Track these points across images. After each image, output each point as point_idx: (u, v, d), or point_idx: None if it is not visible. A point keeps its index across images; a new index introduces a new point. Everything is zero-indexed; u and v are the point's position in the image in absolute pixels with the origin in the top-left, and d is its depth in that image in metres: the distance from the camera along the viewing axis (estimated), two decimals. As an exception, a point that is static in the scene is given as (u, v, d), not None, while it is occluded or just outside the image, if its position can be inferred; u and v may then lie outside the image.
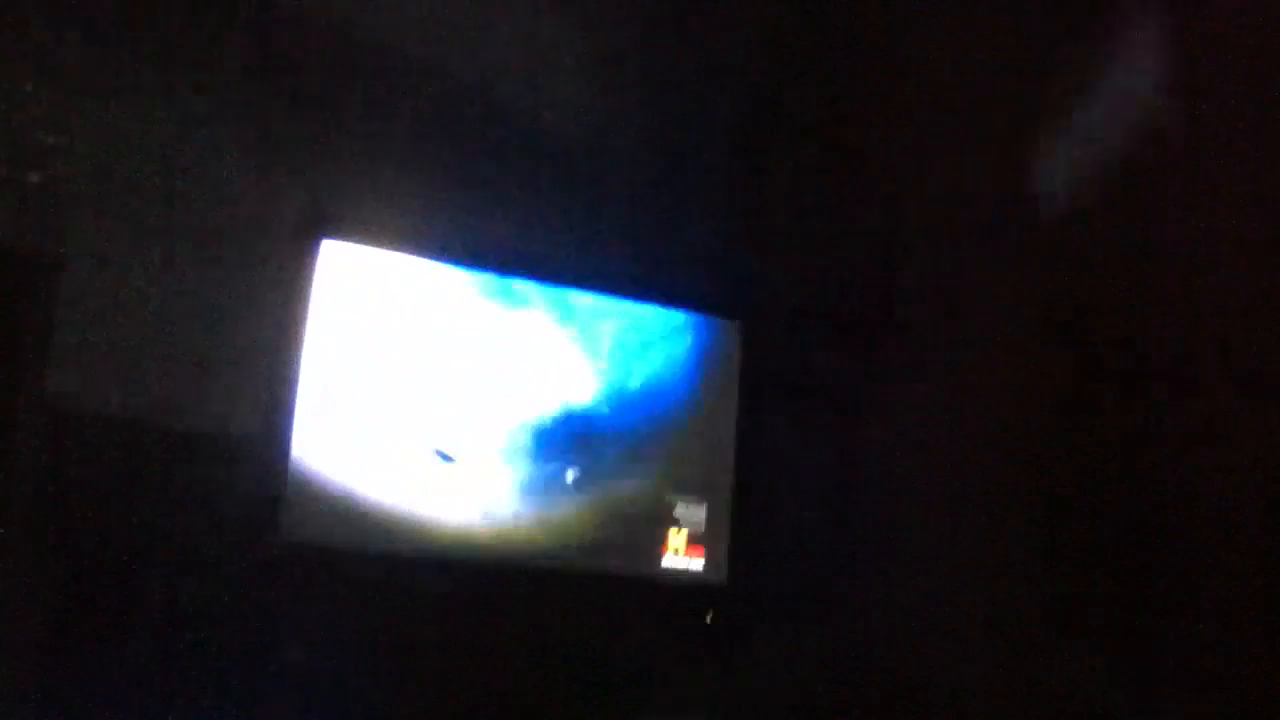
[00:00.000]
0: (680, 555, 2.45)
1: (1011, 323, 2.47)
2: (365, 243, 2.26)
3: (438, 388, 2.27)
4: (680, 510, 2.47)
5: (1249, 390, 2.07)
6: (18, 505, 1.87)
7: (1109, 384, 2.32)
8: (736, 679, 2.38)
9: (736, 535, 2.47)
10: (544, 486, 2.34)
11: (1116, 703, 2.14)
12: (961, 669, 2.37)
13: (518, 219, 2.43)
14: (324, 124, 2.25)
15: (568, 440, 2.38)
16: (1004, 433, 2.45)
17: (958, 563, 2.43)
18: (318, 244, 2.21)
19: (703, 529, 2.47)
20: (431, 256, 2.32)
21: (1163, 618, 2.17)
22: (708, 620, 2.41)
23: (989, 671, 2.34)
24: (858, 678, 2.43)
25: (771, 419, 2.53)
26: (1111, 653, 2.20)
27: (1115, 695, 2.14)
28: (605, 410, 2.43)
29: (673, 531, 2.45)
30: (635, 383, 2.46)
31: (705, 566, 2.46)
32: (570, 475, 2.36)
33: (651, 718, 2.33)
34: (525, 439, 2.33)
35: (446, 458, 2.28)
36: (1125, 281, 2.31)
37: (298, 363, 2.16)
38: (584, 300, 2.44)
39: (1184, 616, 2.12)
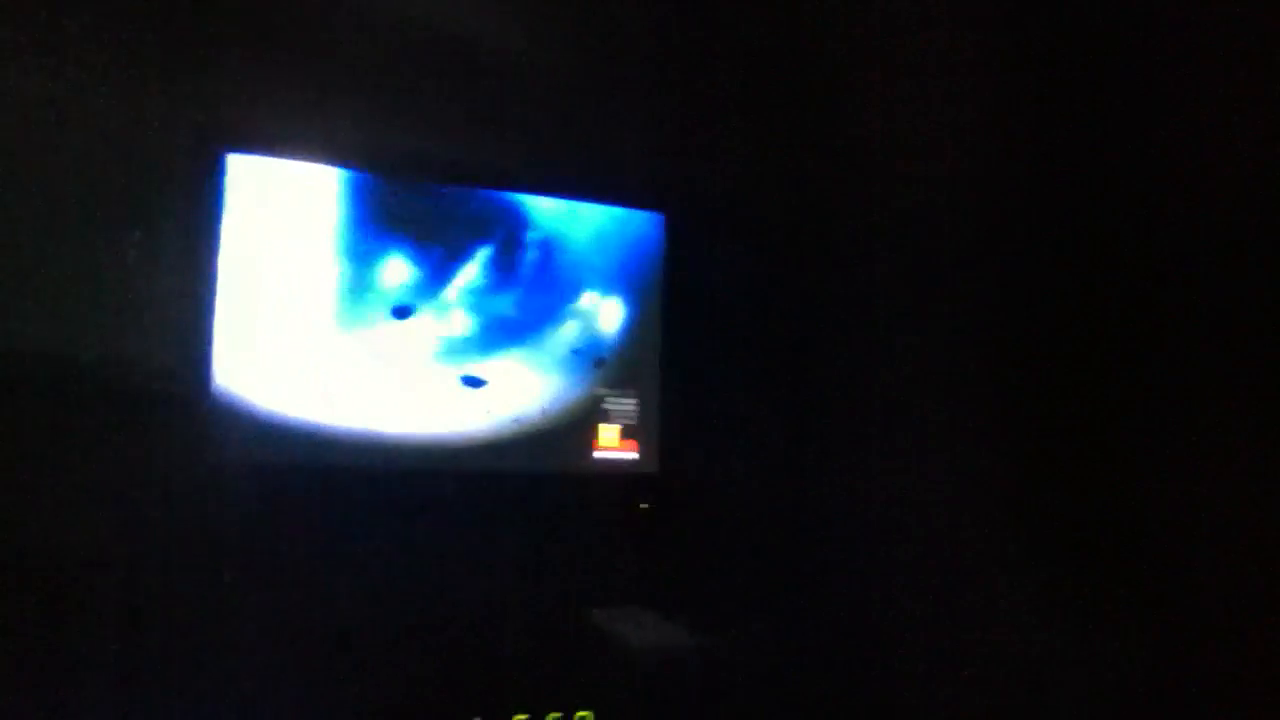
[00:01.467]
0: (613, 449, 2.48)
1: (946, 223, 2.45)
2: (273, 154, 2.21)
3: (356, 296, 2.26)
4: (610, 404, 2.49)
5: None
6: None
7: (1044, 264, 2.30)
8: (671, 566, 2.44)
9: (665, 427, 2.51)
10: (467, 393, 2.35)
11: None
12: (892, 552, 2.42)
13: (435, 120, 2.38)
14: (218, 27, 2.18)
15: (493, 341, 2.37)
16: (926, 318, 2.45)
17: (885, 447, 2.46)
18: (222, 159, 2.16)
19: (634, 422, 2.50)
20: (344, 165, 2.26)
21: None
22: (641, 510, 2.45)
23: (915, 554, 2.39)
24: (785, 560, 2.50)
25: (697, 312, 2.53)
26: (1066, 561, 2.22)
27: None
28: (532, 309, 2.42)
29: (603, 426, 2.48)
30: (563, 281, 2.45)
31: (638, 459, 2.50)
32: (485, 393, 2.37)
33: (592, 607, 2.39)
34: (447, 345, 2.33)
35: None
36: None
37: (214, 283, 2.14)
38: (506, 200, 2.41)
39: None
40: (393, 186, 2.30)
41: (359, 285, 2.25)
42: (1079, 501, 2.16)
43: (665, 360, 2.51)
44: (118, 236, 2.05)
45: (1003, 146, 2.33)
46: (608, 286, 2.48)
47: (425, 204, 2.32)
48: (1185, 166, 2.05)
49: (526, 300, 2.40)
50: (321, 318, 2.22)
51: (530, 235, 2.42)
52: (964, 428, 2.35)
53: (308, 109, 2.23)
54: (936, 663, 2.31)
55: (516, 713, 2.20)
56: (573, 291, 2.45)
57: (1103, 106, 2.19)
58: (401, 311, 2.28)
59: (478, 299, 2.34)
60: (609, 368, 2.48)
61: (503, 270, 2.38)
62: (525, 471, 2.38)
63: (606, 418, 2.48)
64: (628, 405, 2.50)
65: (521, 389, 2.39)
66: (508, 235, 2.39)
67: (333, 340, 2.23)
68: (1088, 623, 2.10)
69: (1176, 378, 2.04)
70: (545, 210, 2.44)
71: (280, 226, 2.19)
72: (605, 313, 2.48)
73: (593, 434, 2.47)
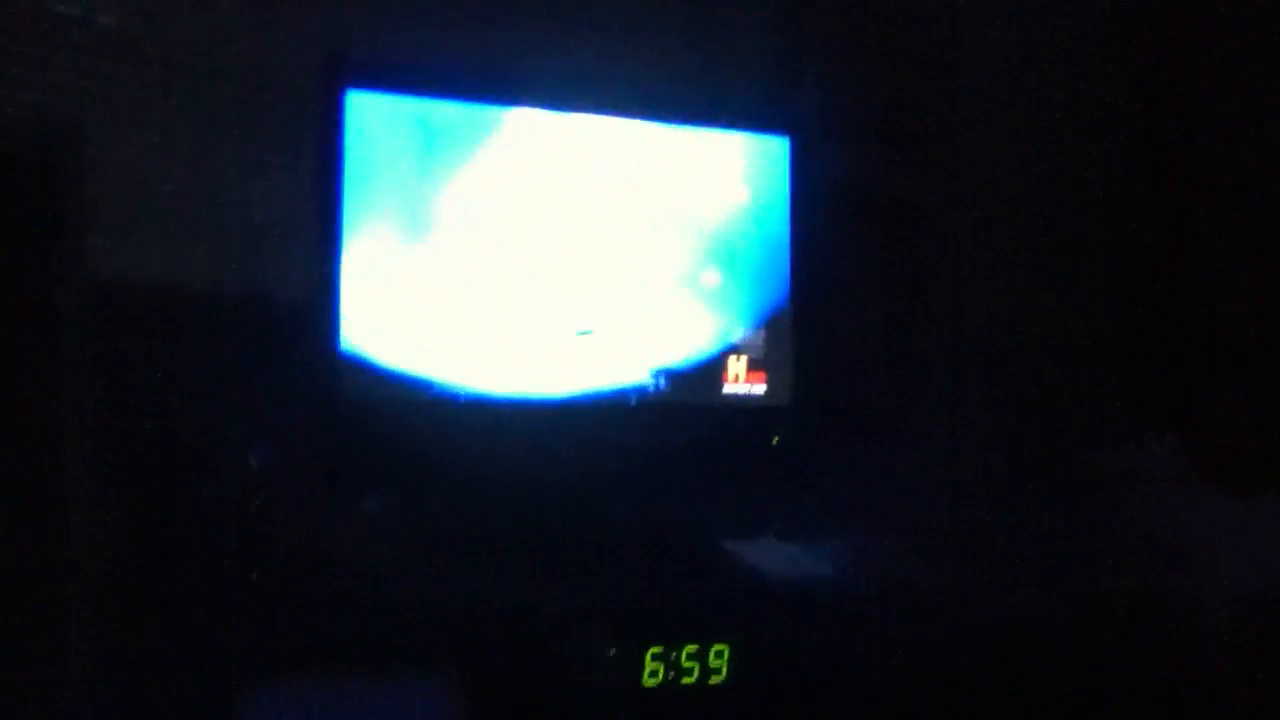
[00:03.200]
0: (741, 381, 2.43)
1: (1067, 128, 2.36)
2: (395, 92, 2.20)
3: (491, 237, 2.25)
4: (739, 336, 2.44)
5: None
6: (68, 386, 1.92)
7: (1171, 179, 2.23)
8: (805, 499, 2.40)
9: (798, 358, 2.44)
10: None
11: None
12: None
13: (556, 50, 2.36)
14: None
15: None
16: (1066, 237, 2.37)
17: (1020, 372, 2.39)
18: (342, 97, 2.16)
19: (762, 354, 2.44)
20: (467, 100, 2.25)
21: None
22: (773, 443, 2.41)
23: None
24: (922, 492, 2.44)
25: (826, 238, 2.46)
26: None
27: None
28: (658, 241, 2.38)
29: (732, 359, 2.43)
30: (688, 211, 2.40)
31: (767, 391, 2.44)
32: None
33: (726, 540, 2.37)
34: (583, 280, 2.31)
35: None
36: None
37: (338, 223, 2.14)
38: (630, 128, 2.36)
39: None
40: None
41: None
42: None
43: (795, 291, 2.44)
44: (249, 172, 2.08)
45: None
46: (735, 216, 2.43)
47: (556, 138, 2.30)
48: None
49: (659, 234, 2.37)
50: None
51: (666, 165, 2.37)
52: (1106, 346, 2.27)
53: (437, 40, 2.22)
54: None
55: (653, 645, 2.19)
56: (703, 223, 2.41)
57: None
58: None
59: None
60: (736, 299, 2.43)
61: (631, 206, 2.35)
62: (655, 406, 2.35)
63: (735, 351, 2.43)
64: (757, 338, 2.44)
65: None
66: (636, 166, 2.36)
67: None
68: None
69: None
70: (675, 138, 2.39)
71: (408, 167, 2.19)
72: (732, 243, 2.43)
73: (722, 368, 2.43)
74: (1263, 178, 2.36)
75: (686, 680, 2.18)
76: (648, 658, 2.16)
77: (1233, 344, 2.40)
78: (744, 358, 2.43)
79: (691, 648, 2.21)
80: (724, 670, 2.21)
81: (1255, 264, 2.38)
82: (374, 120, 2.16)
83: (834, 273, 2.48)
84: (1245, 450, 2.36)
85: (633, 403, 2.31)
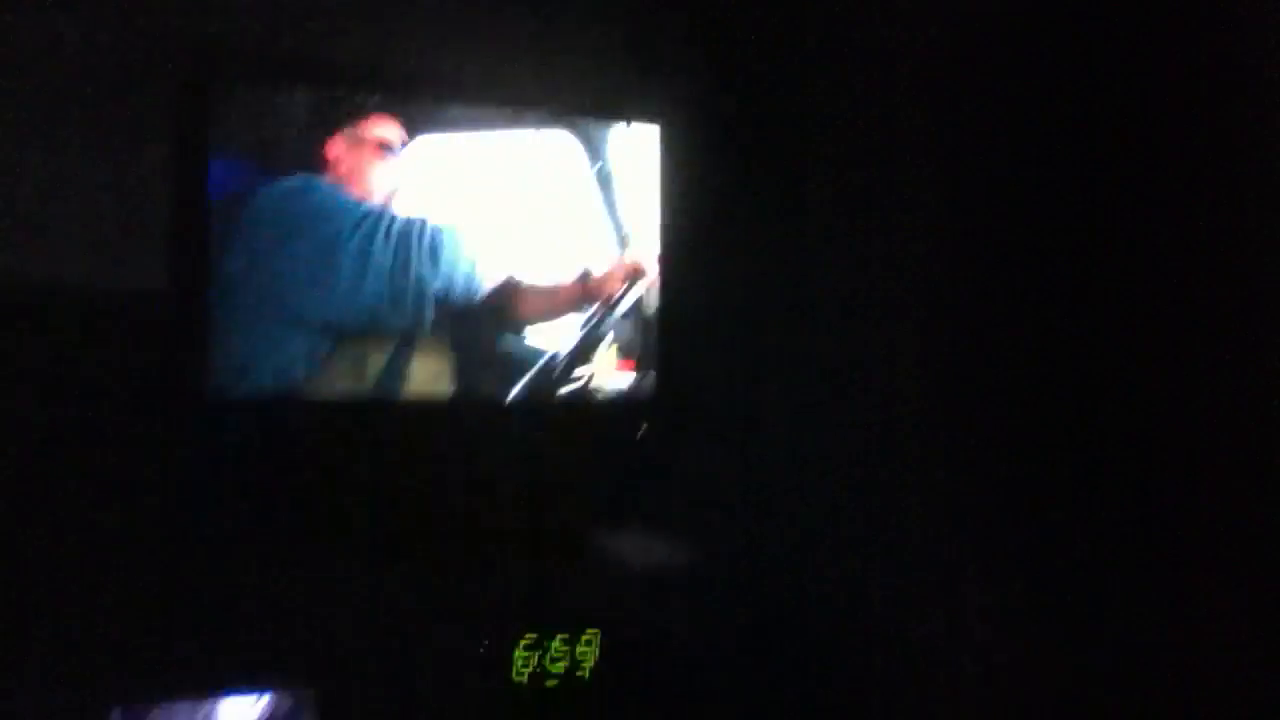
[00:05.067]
0: (610, 371, 2.48)
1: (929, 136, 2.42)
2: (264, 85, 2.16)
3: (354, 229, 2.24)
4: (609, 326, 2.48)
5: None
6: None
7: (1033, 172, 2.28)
8: (669, 491, 2.47)
9: (664, 350, 2.50)
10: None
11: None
12: (895, 478, 2.45)
13: (424, 40, 2.33)
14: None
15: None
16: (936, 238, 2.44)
17: (884, 369, 2.47)
18: (211, 90, 2.11)
19: (632, 345, 2.49)
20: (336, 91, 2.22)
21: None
22: (638, 435, 2.46)
23: (917, 479, 2.42)
24: (783, 487, 2.53)
25: (694, 230, 2.52)
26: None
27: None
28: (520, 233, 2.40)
29: (602, 347, 2.47)
30: (554, 204, 2.42)
31: (633, 382, 2.50)
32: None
33: (590, 530, 2.42)
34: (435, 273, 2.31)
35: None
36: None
37: (205, 218, 2.10)
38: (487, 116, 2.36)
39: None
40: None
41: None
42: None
43: (663, 281, 2.49)
44: (113, 169, 2.02)
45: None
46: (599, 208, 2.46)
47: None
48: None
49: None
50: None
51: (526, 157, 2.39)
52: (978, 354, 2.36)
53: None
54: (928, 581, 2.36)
55: (524, 634, 2.24)
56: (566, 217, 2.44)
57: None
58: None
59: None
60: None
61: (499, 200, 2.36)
62: (523, 396, 2.39)
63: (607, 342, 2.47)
64: (624, 328, 2.49)
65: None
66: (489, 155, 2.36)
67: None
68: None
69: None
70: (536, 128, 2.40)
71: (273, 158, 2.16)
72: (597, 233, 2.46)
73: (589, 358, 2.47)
74: (1130, 225, 2.42)
75: (556, 668, 2.24)
76: (519, 648, 2.22)
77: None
78: (613, 347, 2.48)
79: (563, 636, 2.27)
80: (590, 659, 2.27)
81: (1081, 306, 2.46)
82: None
83: (701, 266, 2.53)
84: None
85: (500, 397, 2.35)
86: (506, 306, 2.36)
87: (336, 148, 2.20)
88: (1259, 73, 1.89)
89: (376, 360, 2.24)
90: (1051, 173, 2.20)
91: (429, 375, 2.28)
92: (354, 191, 2.22)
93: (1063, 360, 2.17)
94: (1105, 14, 2.09)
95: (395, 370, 2.25)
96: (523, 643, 2.23)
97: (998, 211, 2.32)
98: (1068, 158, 2.17)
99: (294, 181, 2.17)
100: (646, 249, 2.48)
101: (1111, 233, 2.11)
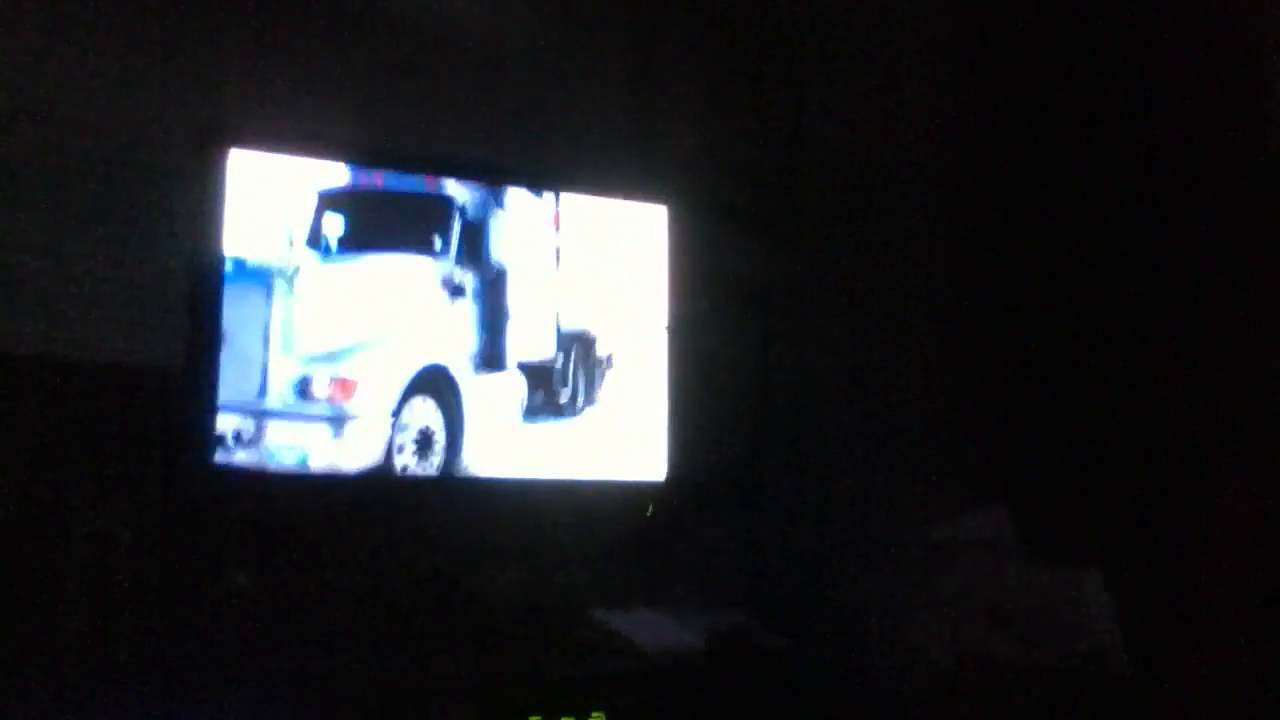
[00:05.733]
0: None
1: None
2: (278, 150, 2.16)
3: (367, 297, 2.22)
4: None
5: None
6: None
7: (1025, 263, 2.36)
8: (676, 569, 2.44)
9: (673, 429, 2.49)
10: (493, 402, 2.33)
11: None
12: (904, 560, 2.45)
13: (435, 115, 2.37)
14: (218, 19, 2.15)
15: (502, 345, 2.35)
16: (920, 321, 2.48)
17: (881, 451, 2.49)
18: (224, 155, 2.11)
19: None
20: (348, 160, 2.22)
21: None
22: (648, 514, 2.44)
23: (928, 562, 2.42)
24: (787, 563, 2.52)
25: (699, 311, 2.53)
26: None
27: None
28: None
29: (610, 429, 2.46)
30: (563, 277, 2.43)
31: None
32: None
33: (597, 608, 2.38)
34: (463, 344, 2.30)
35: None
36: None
37: (219, 283, 2.08)
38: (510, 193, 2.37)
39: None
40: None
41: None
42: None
43: (673, 360, 2.49)
44: (126, 235, 2.01)
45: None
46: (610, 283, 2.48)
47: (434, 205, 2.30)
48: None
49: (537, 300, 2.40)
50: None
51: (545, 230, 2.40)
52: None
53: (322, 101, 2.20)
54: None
55: (530, 714, 2.17)
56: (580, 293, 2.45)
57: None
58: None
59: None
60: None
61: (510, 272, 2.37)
62: (534, 479, 2.37)
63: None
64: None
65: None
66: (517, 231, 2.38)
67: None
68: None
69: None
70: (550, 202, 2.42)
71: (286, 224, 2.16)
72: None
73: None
74: (1105, 249, 2.49)
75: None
76: (526, 727, 2.15)
77: (1061, 420, 2.54)
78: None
79: (568, 719, 2.20)
80: (600, 739, 2.21)
81: (1090, 339, 2.51)
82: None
83: (704, 348, 2.54)
84: (1069, 522, 2.49)
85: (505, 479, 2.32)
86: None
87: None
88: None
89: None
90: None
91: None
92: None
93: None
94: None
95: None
96: (530, 721, 2.16)
97: (997, 288, 2.38)
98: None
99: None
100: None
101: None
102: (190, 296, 2.07)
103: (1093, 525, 2.41)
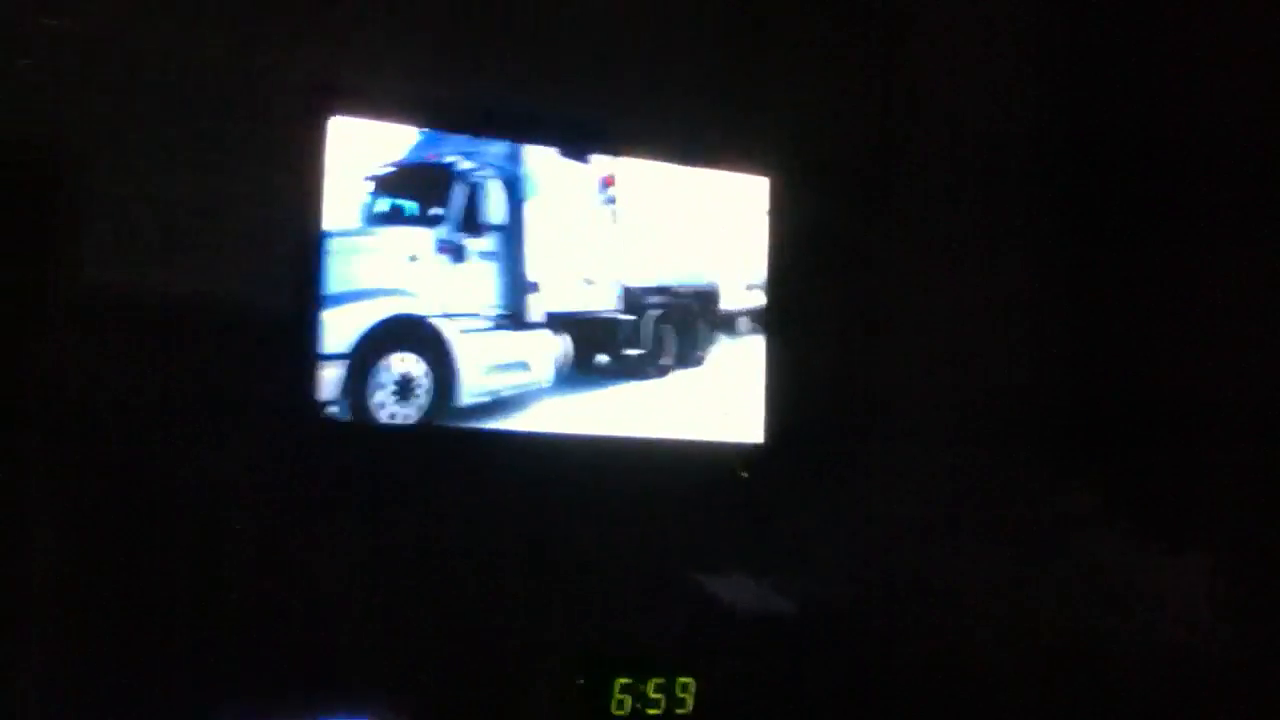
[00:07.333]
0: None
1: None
2: (379, 117, 2.19)
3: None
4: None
5: None
6: (55, 400, 1.91)
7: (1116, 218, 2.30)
8: (774, 535, 2.43)
9: (770, 396, 2.47)
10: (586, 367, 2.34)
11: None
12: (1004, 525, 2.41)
13: (535, 86, 2.38)
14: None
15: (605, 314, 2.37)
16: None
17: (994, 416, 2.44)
18: (325, 121, 2.14)
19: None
20: (449, 129, 2.25)
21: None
22: (741, 475, 2.42)
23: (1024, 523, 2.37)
24: (885, 534, 2.49)
25: (798, 277, 2.50)
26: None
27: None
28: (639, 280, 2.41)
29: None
30: (666, 251, 2.43)
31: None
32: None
33: (693, 574, 2.38)
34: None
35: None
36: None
37: (320, 244, 2.13)
38: (611, 165, 2.37)
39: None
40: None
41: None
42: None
43: (772, 326, 2.47)
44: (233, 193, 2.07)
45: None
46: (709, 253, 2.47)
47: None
48: None
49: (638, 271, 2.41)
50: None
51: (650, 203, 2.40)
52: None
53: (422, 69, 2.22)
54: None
55: (618, 676, 2.19)
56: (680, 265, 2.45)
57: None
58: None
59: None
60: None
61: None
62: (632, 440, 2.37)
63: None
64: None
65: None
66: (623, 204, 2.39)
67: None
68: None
69: None
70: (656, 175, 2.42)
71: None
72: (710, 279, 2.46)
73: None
74: (1185, 236, 2.43)
75: (653, 711, 2.18)
76: (615, 689, 2.16)
77: (1167, 400, 2.47)
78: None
79: (657, 681, 2.21)
80: (689, 703, 2.21)
81: (1187, 321, 2.45)
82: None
83: (804, 311, 2.52)
84: (1180, 504, 2.43)
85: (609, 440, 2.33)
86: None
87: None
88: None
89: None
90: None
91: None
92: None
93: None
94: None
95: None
96: (619, 683, 2.17)
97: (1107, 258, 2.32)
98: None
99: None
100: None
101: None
102: (298, 249, 2.12)
103: (1203, 508, 2.34)
